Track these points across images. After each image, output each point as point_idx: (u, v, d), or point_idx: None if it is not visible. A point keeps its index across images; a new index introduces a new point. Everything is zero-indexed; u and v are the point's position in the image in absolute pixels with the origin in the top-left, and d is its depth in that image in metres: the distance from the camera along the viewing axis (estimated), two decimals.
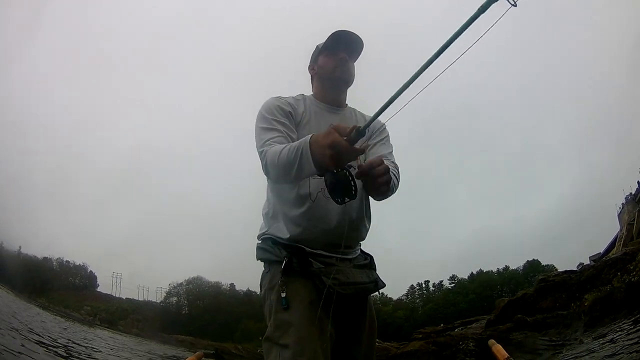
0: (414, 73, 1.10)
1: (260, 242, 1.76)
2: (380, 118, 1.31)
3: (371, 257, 1.83)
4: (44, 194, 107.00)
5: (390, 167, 1.48)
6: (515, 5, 0.95)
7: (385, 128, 1.85)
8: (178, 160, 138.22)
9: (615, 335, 6.23)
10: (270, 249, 1.68)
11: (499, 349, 3.52)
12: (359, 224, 1.72)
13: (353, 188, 1.29)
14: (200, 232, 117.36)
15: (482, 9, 0.98)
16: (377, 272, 1.79)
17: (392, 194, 1.60)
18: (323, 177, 1.37)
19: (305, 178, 1.55)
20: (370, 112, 1.76)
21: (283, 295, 1.53)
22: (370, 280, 1.71)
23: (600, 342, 6.36)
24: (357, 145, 1.25)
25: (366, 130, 1.25)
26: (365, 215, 1.75)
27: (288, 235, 1.64)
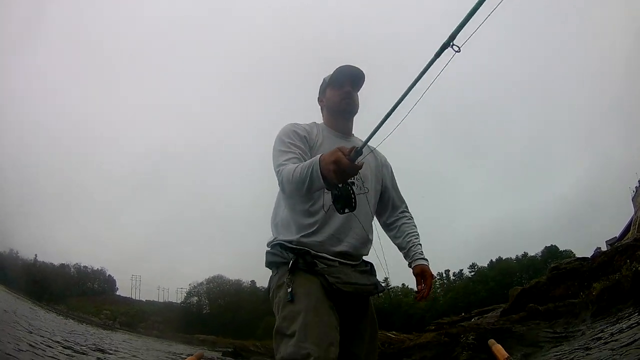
0: (387, 111, 1.41)
1: (269, 249, 1.90)
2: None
3: (371, 264, 1.97)
4: (58, 202, 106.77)
5: (417, 236, 2.07)
6: (459, 51, 1.22)
7: (388, 163, 2.14)
8: (195, 161, 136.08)
9: (614, 329, 6.33)
10: (279, 252, 1.81)
11: (498, 348, 3.63)
12: (363, 238, 1.88)
13: (353, 202, 1.51)
14: (220, 230, 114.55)
15: (437, 55, 1.26)
16: (376, 277, 1.96)
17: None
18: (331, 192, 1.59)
19: (315, 192, 1.71)
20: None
21: (289, 290, 1.67)
22: (370, 283, 1.86)
23: (598, 334, 6.48)
24: (357, 162, 1.46)
25: (362, 150, 1.46)
26: (370, 231, 1.94)
27: (297, 237, 1.78)
